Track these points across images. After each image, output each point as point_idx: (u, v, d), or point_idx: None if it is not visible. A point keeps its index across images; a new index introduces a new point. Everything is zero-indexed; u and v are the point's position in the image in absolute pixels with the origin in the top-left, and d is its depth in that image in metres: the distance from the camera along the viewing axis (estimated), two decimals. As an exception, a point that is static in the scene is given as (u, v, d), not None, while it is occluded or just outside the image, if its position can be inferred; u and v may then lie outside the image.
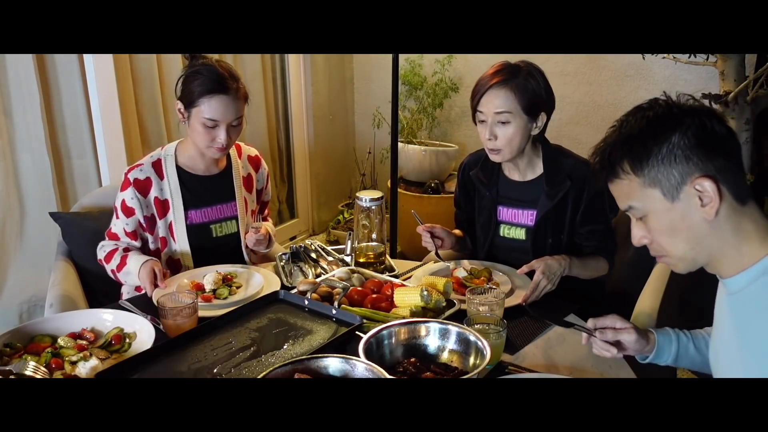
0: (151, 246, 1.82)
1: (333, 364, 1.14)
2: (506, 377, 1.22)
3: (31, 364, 1.22)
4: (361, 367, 1.12)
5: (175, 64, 2.76)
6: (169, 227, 1.81)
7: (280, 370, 1.11)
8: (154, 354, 1.29)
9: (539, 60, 1.80)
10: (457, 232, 1.95)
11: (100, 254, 1.79)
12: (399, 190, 3.17)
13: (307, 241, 1.95)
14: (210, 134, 1.72)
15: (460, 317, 1.34)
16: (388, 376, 1.09)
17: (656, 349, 1.21)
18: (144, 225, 1.79)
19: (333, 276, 1.67)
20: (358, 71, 4.06)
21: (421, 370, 1.20)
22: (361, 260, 1.85)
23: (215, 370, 1.25)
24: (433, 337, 1.29)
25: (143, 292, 1.70)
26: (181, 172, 1.83)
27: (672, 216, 1.00)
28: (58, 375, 1.26)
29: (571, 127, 3.34)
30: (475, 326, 1.31)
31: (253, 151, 2.00)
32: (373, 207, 1.83)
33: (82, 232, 1.93)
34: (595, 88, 3.31)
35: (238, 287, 1.67)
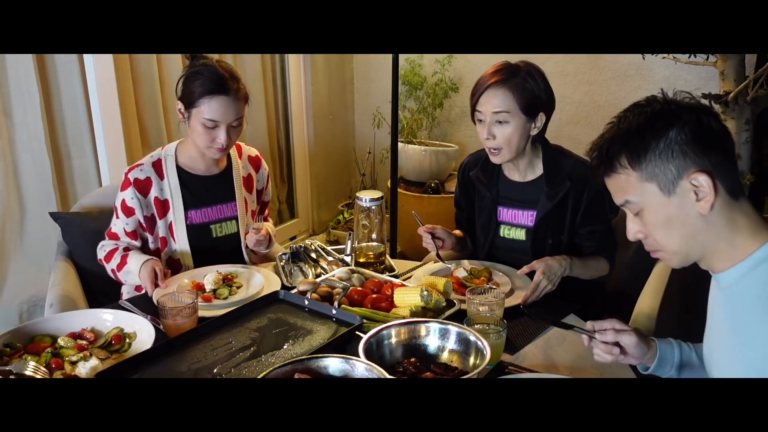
0: (151, 246, 1.82)
1: (333, 364, 1.14)
2: (506, 377, 1.22)
3: (31, 364, 1.22)
4: (361, 367, 1.12)
5: (175, 64, 2.76)
6: (169, 227, 1.81)
7: (280, 370, 1.11)
8: (154, 354, 1.29)
9: (539, 60, 1.80)
10: (457, 232, 1.95)
11: (100, 254, 1.79)
12: (399, 190, 3.17)
13: (307, 241, 1.95)
14: (210, 135, 1.72)
15: (460, 317, 1.34)
16: (388, 376, 1.09)
17: (658, 357, 1.21)
18: (144, 225, 1.79)
19: (333, 276, 1.67)
20: (358, 71, 4.06)
21: (421, 370, 1.20)
22: (361, 260, 1.85)
23: (215, 370, 1.25)
24: (433, 337, 1.29)
25: (143, 291, 1.70)
26: (182, 172, 1.83)
27: (668, 210, 1.02)
28: (58, 375, 1.26)
29: (571, 127, 3.34)
30: (475, 326, 1.31)
31: (254, 152, 2.00)
32: (373, 207, 1.83)
33: (82, 232, 1.93)
34: (595, 88, 3.31)
35: (238, 287, 1.67)
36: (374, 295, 1.54)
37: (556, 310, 1.56)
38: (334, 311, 1.46)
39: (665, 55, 2.83)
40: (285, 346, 1.34)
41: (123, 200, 1.77)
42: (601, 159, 1.08)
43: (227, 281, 1.68)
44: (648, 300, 1.60)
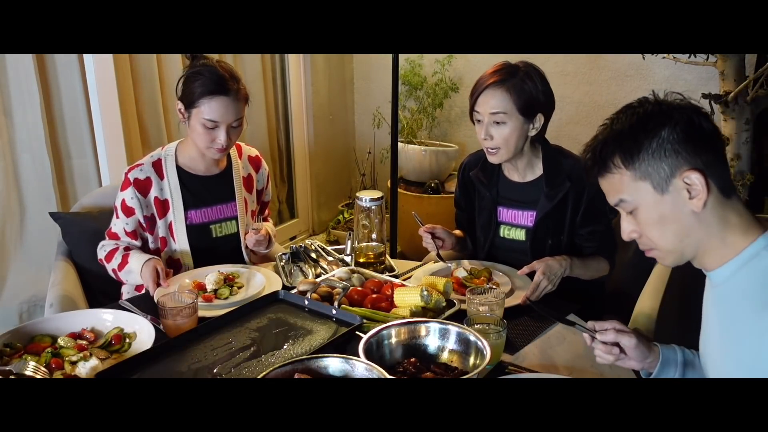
0: (151, 246, 1.82)
1: (333, 364, 1.14)
2: (506, 377, 1.22)
3: (31, 364, 1.22)
4: (361, 367, 1.12)
5: (175, 64, 2.76)
6: (169, 227, 1.81)
7: (280, 370, 1.11)
8: (154, 354, 1.29)
9: (539, 60, 1.80)
10: (457, 232, 1.95)
11: (101, 254, 1.79)
12: (399, 190, 3.17)
13: (307, 241, 1.95)
14: (210, 135, 1.72)
15: (460, 317, 1.34)
16: (388, 376, 1.09)
17: (660, 362, 1.21)
18: (144, 225, 1.79)
19: (333, 276, 1.67)
20: (358, 71, 4.06)
21: (421, 370, 1.20)
22: (361, 260, 1.85)
23: (215, 370, 1.25)
24: (433, 337, 1.29)
25: (143, 291, 1.70)
26: (181, 172, 1.83)
27: (662, 208, 1.03)
28: (58, 375, 1.26)
29: (571, 127, 3.34)
30: (475, 326, 1.31)
31: (254, 152, 2.00)
32: (373, 207, 1.83)
33: (82, 232, 1.93)
34: (595, 88, 3.31)
35: (239, 287, 1.67)
36: (374, 295, 1.54)
37: (556, 310, 1.56)
38: (334, 311, 1.46)
39: (665, 55, 2.83)
40: (285, 346, 1.34)
41: (123, 200, 1.77)
42: (594, 160, 1.09)
43: (228, 281, 1.68)
44: (648, 300, 1.60)
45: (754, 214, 1.06)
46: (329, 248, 1.93)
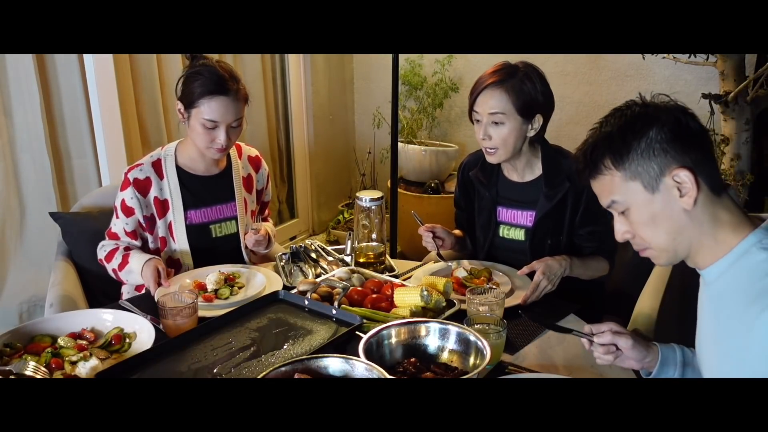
0: (151, 246, 1.82)
1: (333, 364, 1.14)
2: (506, 377, 1.22)
3: (31, 364, 1.22)
4: (361, 367, 1.12)
5: (175, 64, 2.76)
6: (169, 227, 1.81)
7: (280, 370, 1.11)
8: (154, 354, 1.29)
9: (539, 60, 1.80)
10: (457, 232, 1.95)
11: (101, 254, 1.79)
12: (399, 190, 3.17)
13: (307, 241, 1.95)
14: (210, 135, 1.72)
15: (460, 317, 1.34)
16: (388, 376, 1.09)
17: (660, 362, 1.21)
18: (144, 225, 1.79)
19: (333, 276, 1.67)
20: (358, 71, 4.06)
21: (421, 370, 1.20)
22: (361, 260, 1.85)
23: (215, 370, 1.25)
24: (433, 337, 1.29)
25: (143, 291, 1.70)
26: (181, 172, 1.83)
27: (653, 207, 1.05)
28: (58, 375, 1.26)
29: (571, 127, 3.34)
30: (475, 326, 1.31)
31: (254, 152, 2.00)
32: (373, 207, 1.83)
33: (82, 232, 1.93)
34: (595, 88, 3.31)
35: (240, 287, 1.67)
36: (374, 295, 1.54)
37: (556, 310, 1.56)
38: (334, 311, 1.46)
39: (665, 55, 2.83)
40: (285, 346, 1.34)
41: (123, 200, 1.77)
42: (586, 162, 1.11)
43: (229, 281, 1.68)
44: (648, 300, 1.60)
45: (745, 212, 1.07)
46: (329, 248, 1.93)
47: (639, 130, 1.04)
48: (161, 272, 1.62)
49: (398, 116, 2.86)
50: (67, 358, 1.29)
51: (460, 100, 3.63)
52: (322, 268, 1.82)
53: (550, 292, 1.59)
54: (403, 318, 1.37)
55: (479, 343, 1.21)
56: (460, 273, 1.71)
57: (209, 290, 1.62)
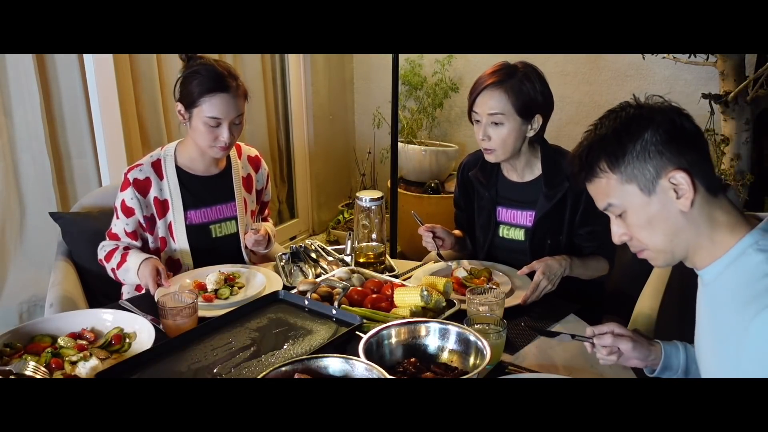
0: (151, 246, 1.82)
1: (333, 364, 1.14)
2: (506, 377, 1.22)
3: (31, 364, 1.22)
4: (361, 367, 1.12)
5: (175, 64, 2.75)
6: (169, 227, 1.81)
7: (280, 370, 1.11)
8: (154, 354, 1.30)
9: (539, 60, 1.79)
10: (457, 232, 1.95)
11: (101, 254, 1.79)
12: (399, 190, 3.17)
13: (307, 241, 1.95)
14: (213, 133, 1.72)
15: (460, 317, 1.34)
16: (388, 376, 1.09)
17: (663, 360, 1.22)
18: (144, 225, 1.79)
19: (333, 276, 1.67)
20: (358, 71, 4.06)
21: (421, 370, 1.20)
22: (361, 260, 1.85)
23: (215, 370, 1.25)
24: (433, 337, 1.29)
25: (143, 291, 1.70)
26: (181, 173, 1.83)
27: (650, 210, 1.04)
28: (58, 375, 1.26)
29: (571, 127, 3.33)
30: (475, 326, 1.31)
31: (253, 152, 2.00)
32: (373, 207, 1.83)
33: (82, 232, 1.93)
34: (595, 88, 3.31)
35: (240, 287, 1.67)
36: (374, 295, 1.54)
37: (556, 310, 1.56)
38: (334, 311, 1.46)
39: (665, 55, 2.83)
40: (285, 346, 1.34)
41: (123, 200, 1.77)
42: (581, 166, 1.10)
43: (229, 281, 1.68)
44: (648, 300, 1.60)
45: (742, 212, 1.07)
46: (329, 248, 1.93)
47: (634, 132, 1.04)
48: (161, 272, 1.62)
49: (398, 116, 2.86)
50: (67, 358, 1.29)
51: (460, 100, 3.63)
52: (322, 268, 1.82)
53: (550, 292, 1.59)
54: (403, 318, 1.37)
55: (479, 343, 1.21)
56: (460, 273, 1.71)
57: (209, 290, 1.62)
